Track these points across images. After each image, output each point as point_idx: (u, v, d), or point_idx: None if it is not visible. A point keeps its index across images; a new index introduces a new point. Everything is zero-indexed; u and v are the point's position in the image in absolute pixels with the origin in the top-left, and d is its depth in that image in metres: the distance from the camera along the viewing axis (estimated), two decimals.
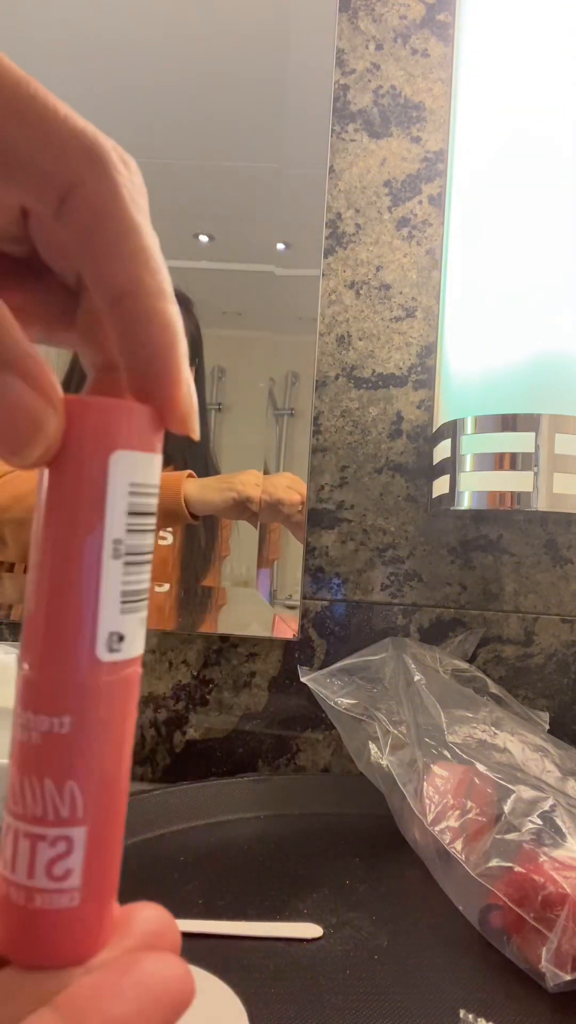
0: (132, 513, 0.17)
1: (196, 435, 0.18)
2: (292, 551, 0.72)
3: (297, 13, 0.74)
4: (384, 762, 0.54)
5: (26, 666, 0.16)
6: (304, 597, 0.72)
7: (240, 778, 0.64)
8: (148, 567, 0.17)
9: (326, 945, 0.42)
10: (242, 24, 0.74)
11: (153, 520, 0.17)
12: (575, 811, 0.46)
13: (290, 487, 0.71)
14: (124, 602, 0.17)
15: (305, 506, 0.71)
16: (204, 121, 0.75)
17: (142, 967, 0.16)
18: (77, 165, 0.16)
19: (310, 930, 0.43)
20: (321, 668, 0.64)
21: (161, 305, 0.16)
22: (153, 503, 0.17)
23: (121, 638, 0.17)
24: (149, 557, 0.17)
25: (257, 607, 0.71)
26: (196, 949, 0.40)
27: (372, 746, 0.56)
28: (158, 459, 0.17)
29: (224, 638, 0.73)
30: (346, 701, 0.59)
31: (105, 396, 0.18)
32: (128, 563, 0.17)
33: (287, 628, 0.71)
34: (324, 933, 0.43)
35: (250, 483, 0.70)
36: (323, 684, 0.61)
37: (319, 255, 0.73)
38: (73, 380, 0.63)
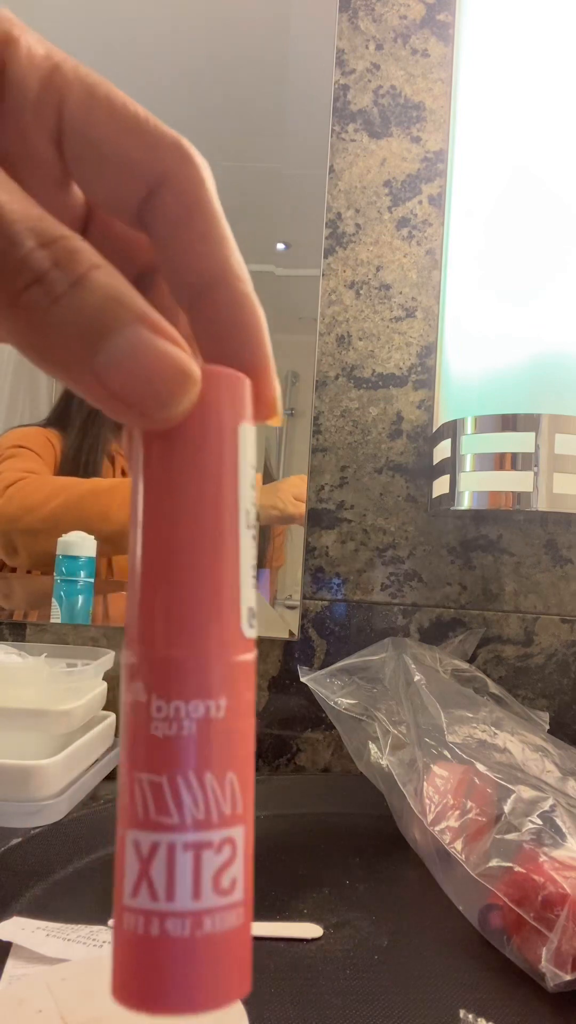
0: (252, 486, 0.16)
1: (280, 420, 0.17)
2: (292, 552, 0.72)
3: (297, 13, 0.74)
4: (384, 762, 0.54)
5: (165, 649, 0.14)
6: (304, 597, 0.72)
7: None
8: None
9: (326, 945, 0.42)
10: (242, 24, 0.74)
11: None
12: (575, 811, 0.46)
13: (297, 499, 0.73)
14: (252, 576, 0.16)
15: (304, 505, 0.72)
16: (204, 121, 0.75)
17: None
18: (168, 157, 0.16)
19: (310, 930, 0.43)
20: (321, 668, 0.64)
21: (249, 290, 0.17)
22: (255, 476, 0.17)
23: (254, 613, 0.16)
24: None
25: (257, 607, 0.71)
26: None
27: (372, 746, 0.56)
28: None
29: None
30: (346, 701, 0.59)
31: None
32: (253, 536, 0.16)
33: (287, 628, 0.71)
34: (324, 933, 0.43)
35: (290, 500, 0.73)
36: (323, 684, 0.61)
37: (319, 255, 0.73)
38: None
